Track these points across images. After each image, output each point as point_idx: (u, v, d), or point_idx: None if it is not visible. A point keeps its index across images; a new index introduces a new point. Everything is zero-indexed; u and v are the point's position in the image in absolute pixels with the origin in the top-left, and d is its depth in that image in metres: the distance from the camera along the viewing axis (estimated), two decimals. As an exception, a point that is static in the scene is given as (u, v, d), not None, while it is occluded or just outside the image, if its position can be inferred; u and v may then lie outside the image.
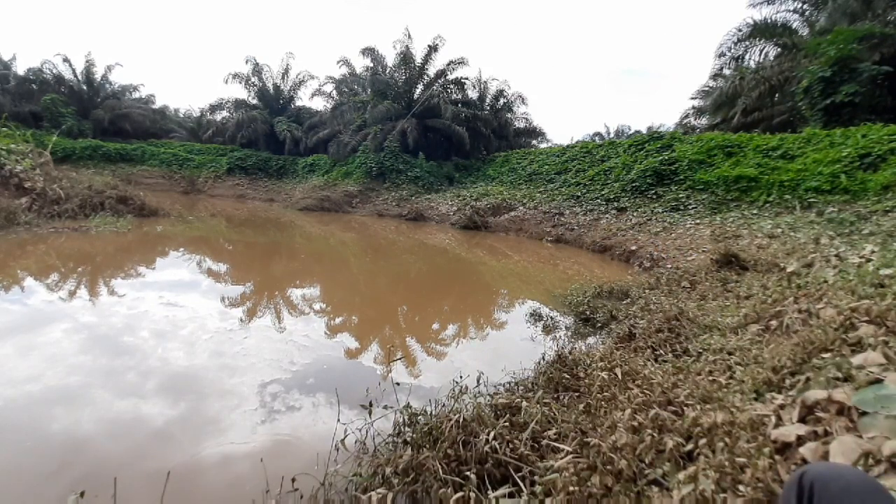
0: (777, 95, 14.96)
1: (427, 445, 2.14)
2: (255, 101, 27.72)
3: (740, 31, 14.80)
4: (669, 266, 7.39)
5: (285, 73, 28.00)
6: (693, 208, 10.58)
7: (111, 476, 1.84)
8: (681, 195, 11.24)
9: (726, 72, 16.66)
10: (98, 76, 28.48)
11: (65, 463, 2.38)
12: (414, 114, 21.35)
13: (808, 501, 0.87)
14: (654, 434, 1.98)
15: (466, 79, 22.69)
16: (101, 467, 2.35)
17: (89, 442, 2.59)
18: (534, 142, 26.15)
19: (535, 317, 5.33)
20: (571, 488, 1.74)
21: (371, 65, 22.98)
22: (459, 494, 1.77)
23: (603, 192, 13.43)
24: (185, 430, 2.77)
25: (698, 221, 9.80)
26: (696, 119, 21.62)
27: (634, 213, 11.57)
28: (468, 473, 1.91)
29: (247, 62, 27.07)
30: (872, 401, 1.70)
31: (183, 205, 17.46)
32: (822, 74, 11.36)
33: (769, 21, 14.70)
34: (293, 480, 1.94)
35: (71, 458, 2.42)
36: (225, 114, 28.12)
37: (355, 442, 2.39)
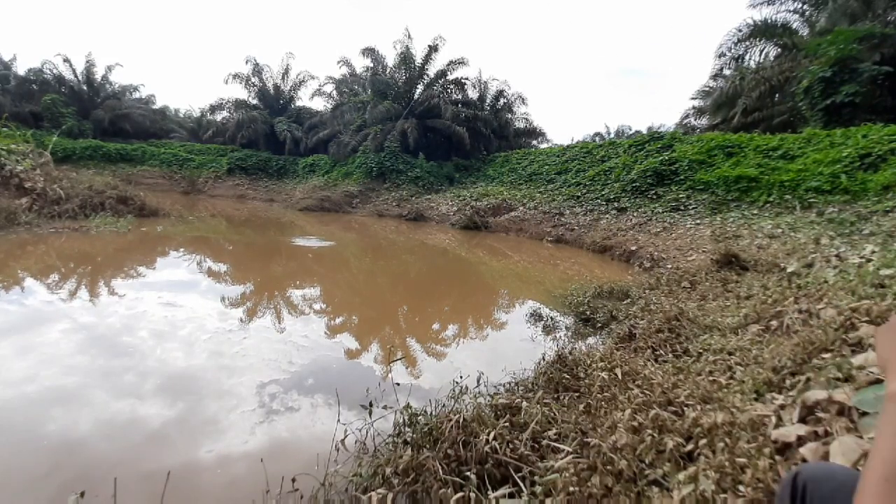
0: (777, 95, 14.98)
1: (427, 446, 2.13)
2: (255, 102, 27.78)
3: (740, 31, 14.83)
4: (669, 266, 7.38)
5: (285, 73, 28.07)
6: (693, 208, 10.58)
7: (109, 477, 1.84)
8: (681, 195, 11.24)
9: (726, 72, 16.69)
10: (98, 76, 28.53)
11: (61, 464, 2.37)
12: (414, 114, 21.36)
13: (802, 502, 0.87)
14: (655, 434, 1.98)
15: (466, 79, 22.73)
16: (99, 468, 2.34)
17: (86, 443, 2.58)
18: (534, 142, 26.16)
19: (535, 317, 5.32)
20: (571, 488, 1.74)
21: (371, 65, 23.02)
22: (459, 495, 1.77)
23: (603, 193, 13.43)
24: (184, 430, 2.76)
25: (698, 221, 9.80)
26: (696, 119, 21.64)
27: (634, 214, 11.57)
28: (468, 474, 1.91)
29: (247, 62, 27.20)
30: (872, 401, 1.70)
31: (183, 205, 17.44)
32: (822, 74, 11.37)
33: (769, 21, 14.72)
34: (293, 481, 1.94)
35: (68, 459, 2.42)
36: (225, 114, 28.19)
37: (355, 442, 2.38)
